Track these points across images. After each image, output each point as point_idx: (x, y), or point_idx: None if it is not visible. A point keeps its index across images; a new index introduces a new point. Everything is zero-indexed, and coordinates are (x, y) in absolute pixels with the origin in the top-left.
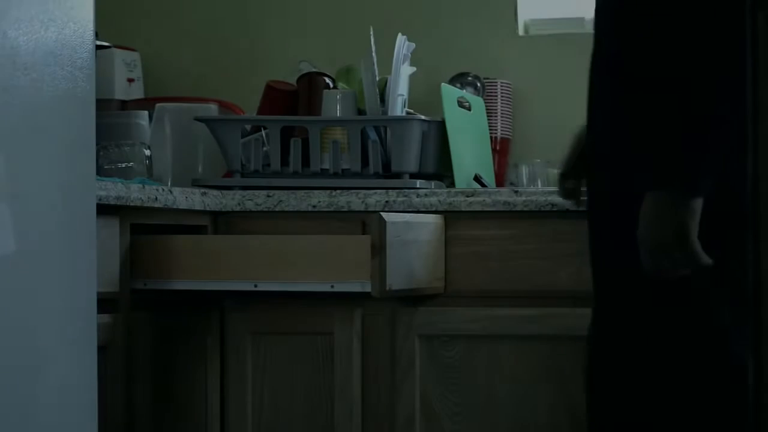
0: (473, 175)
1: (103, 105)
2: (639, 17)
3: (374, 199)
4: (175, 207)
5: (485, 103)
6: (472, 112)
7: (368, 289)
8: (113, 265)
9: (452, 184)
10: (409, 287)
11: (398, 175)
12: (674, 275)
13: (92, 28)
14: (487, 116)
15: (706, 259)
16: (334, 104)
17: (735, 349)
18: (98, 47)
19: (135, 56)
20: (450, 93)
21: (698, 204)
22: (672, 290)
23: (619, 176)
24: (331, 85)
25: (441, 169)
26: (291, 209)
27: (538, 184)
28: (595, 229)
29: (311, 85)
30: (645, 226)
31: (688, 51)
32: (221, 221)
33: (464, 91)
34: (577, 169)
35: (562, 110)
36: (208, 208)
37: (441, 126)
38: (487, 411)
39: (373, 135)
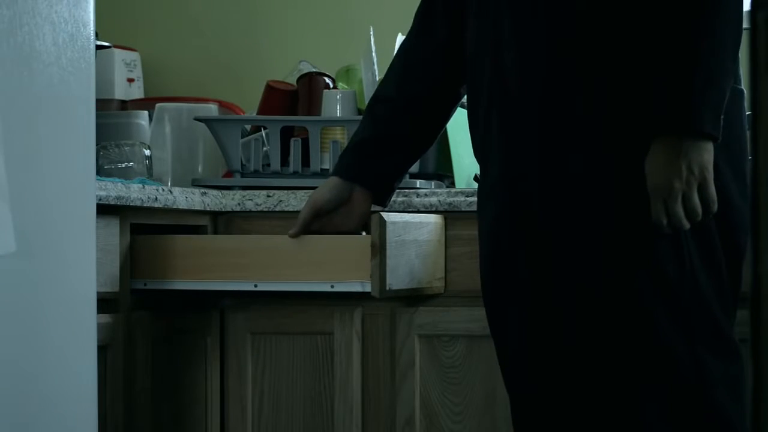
0: (473, 175)
1: (103, 105)
2: None
3: None
4: (175, 207)
5: None
6: None
7: (368, 289)
8: (113, 265)
9: (452, 184)
10: (409, 287)
11: None
12: (684, 226)
13: (92, 28)
14: None
15: (716, 206)
16: (334, 104)
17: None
18: (98, 47)
19: (135, 56)
20: None
21: (712, 148)
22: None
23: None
24: (331, 85)
25: (441, 169)
26: (291, 209)
27: None
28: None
29: (311, 85)
30: (661, 173)
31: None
32: (221, 221)
33: None
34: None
35: None
36: (208, 208)
37: None
38: (487, 411)
39: None
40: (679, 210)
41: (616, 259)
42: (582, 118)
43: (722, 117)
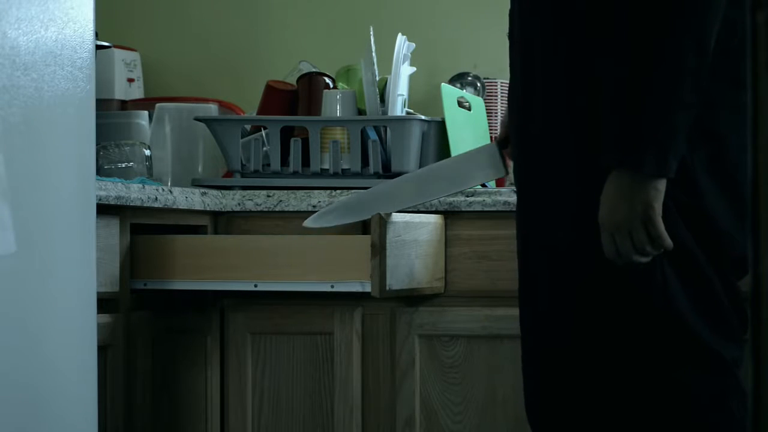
0: None
1: (103, 105)
2: None
3: None
4: (175, 207)
5: (485, 103)
6: (472, 112)
7: (368, 289)
8: (113, 265)
9: None
10: (409, 287)
11: (398, 175)
12: (634, 260)
13: (92, 28)
14: (487, 116)
15: (669, 243)
16: (334, 104)
17: (700, 333)
18: (98, 47)
19: (135, 56)
20: (450, 93)
21: (663, 185)
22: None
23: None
24: (331, 85)
25: None
26: (291, 209)
27: None
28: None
29: (311, 85)
30: (608, 207)
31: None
32: (221, 221)
33: (464, 91)
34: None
35: None
36: (208, 208)
37: (441, 126)
38: (487, 410)
39: (373, 135)
40: (627, 244)
41: (587, 276)
42: (567, 127)
43: (673, 150)
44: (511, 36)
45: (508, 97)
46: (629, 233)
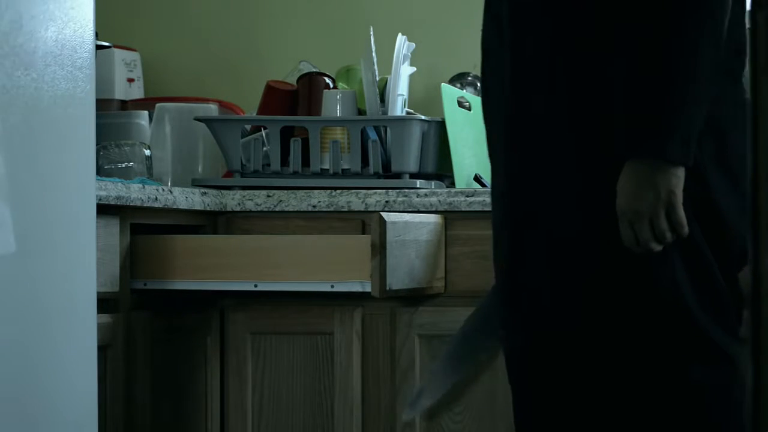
0: (473, 175)
1: (103, 105)
2: None
3: (374, 199)
4: (175, 207)
5: None
6: (472, 112)
7: (368, 289)
8: (113, 265)
9: (452, 184)
10: (409, 287)
11: (398, 175)
12: (653, 248)
13: (92, 28)
14: None
15: (687, 229)
16: (334, 104)
17: (699, 317)
18: (98, 47)
19: (135, 56)
20: (450, 93)
21: (683, 173)
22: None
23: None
24: (331, 85)
25: (441, 169)
26: (291, 209)
27: None
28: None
29: (311, 85)
30: (627, 197)
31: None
32: (221, 221)
33: (464, 91)
34: None
35: None
36: (208, 208)
37: (441, 126)
38: (487, 411)
39: (373, 135)
40: (647, 233)
41: (594, 271)
42: (568, 126)
43: (693, 139)
44: (488, 44)
45: (482, 102)
46: (650, 221)
